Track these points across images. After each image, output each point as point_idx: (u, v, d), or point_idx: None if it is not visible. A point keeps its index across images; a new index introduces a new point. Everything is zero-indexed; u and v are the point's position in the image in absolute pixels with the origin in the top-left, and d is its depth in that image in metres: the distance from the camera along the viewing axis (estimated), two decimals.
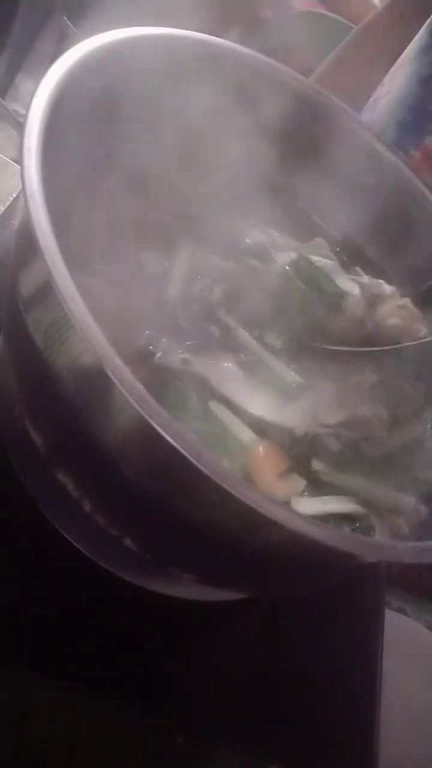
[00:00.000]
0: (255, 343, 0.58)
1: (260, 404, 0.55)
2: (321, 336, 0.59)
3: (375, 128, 0.83)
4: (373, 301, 0.60)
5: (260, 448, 0.53)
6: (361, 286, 0.61)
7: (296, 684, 0.61)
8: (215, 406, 0.53)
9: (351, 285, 0.61)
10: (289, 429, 0.55)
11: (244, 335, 0.58)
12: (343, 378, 0.58)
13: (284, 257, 0.61)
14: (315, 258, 0.62)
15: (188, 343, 0.56)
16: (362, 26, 1.19)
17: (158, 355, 0.53)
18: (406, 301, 0.61)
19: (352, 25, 1.59)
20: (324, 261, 0.62)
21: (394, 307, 0.60)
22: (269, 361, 0.58)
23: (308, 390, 0.58)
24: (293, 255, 0.61)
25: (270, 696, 0.59)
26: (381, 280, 0.62)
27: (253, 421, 0.54)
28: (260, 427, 0.54)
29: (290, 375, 0.57)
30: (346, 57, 1.16)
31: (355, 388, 0.57)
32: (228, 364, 0.56)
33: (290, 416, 0.55)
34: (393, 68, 0.94)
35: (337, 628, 0.65)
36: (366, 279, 0.63)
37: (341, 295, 0.60)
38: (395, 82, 0.92)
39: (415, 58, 0.90)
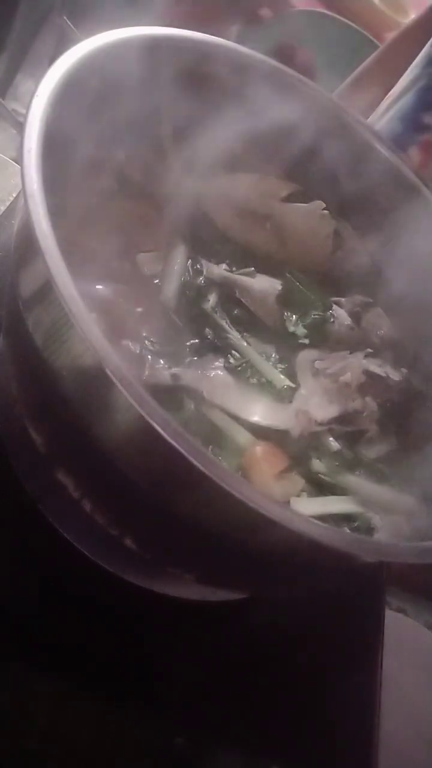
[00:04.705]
0: (245, 344, 0.59)
1: (254, 410, 0.55)
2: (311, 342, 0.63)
3: None
4: (358, 313, 0.66)
5: (257, 449, 0.53)
6: (344, 306, 0.66)
7: (296, 684, 0.61)
8: (210, 410, 0.53)
9: (338, 310, 0.65)
10: (285, 431, 0.55)
11: (235, 337, 0.59)
12: (331, 376, 0.59)
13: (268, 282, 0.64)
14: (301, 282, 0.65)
15: (189, 343, 0.57)
16: (388, 43, 1.20)
17: (146, 374, 0.53)
18: (380, 311, 0.67)
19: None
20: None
21: (375, 315, 0.67)
22: (259, 363, 0.59)
23: (299, 391, 0.58)
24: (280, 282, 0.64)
25: (270, 696, 0.59)
26: (361, 296, 0.67)
27: (248, 427, 0.54)
28: (257, 432, 0.54)
29: (280, 378, 0.58)
30: (370, 74, 1.16)
31: (344, 386, 0.58)
32: (218, 372, 0.56)
33: (284, 418, 0.56)
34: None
35: (337, 628, 0.65)
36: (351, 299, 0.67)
37: (329, 318, 0.65)
38: (397, 89, 0.93)
39: (416, 66, 0.90)
